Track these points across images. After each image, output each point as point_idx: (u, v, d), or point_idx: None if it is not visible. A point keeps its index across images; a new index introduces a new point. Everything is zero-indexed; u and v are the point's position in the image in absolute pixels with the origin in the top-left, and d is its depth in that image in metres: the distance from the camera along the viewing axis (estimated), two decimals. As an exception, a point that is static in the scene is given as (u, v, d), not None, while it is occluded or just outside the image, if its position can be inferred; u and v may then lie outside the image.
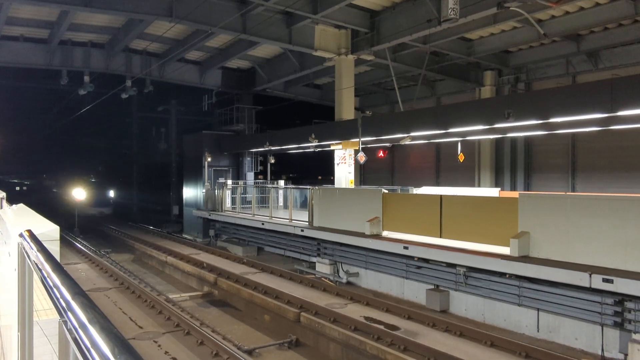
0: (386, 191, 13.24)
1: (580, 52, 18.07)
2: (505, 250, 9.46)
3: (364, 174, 29.86)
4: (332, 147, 18.55)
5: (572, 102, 10.96)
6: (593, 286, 7.70)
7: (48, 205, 39.19)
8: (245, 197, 21.87)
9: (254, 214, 18.84)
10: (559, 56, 19.04)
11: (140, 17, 16.43)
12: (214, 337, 9.15)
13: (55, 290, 1.85)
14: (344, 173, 18.17)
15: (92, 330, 1.34)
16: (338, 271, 14.00)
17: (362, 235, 12.63)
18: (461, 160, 19.50)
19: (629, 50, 17.41)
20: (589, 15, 15.41)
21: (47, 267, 2.16)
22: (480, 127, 13.42)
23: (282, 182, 24.40)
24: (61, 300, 1.71)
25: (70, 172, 37.86)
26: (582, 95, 11.01)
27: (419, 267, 11.30)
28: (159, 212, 33.42)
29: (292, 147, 21.94)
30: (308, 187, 17.24)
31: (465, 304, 10.47)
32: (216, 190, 22.12)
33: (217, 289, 13.19)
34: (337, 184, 18.28)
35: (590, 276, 7.71)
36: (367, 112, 21.08)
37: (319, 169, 36.09)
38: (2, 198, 9.64)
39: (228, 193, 21.79)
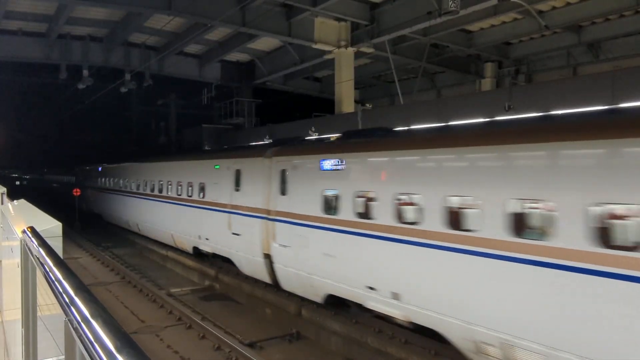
0: None
1: (581, 43, 17.99)
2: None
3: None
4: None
5: (572, 94, 10.93)
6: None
7: (48, 199, 39.14)
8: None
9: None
10: (560, 48, 18.96)
11: (139, 10, 16.35)
12: (215, 331, 9.20)
13: (58, 286, 1.86)
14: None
15: (95, 325, 1.35)
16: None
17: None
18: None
19: (630, 42, 17.32)
20: (590, 6, 15.34)
21: (49, 263, 2.17)
22: (480, 119, 13.39)
23: None
24: (64, 295, 1.73)
25: (71, 165, 37.64)
26: (582, 87, 10.98)
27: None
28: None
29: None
30: None
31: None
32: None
33: (218, 282, 13.23)
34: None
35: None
36: (367, 104, 21.06)
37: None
38: (2, 193, 9.64)
39: None
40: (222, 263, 13.72)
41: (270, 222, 10.71)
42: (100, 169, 27.13)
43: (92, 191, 28.04)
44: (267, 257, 10.87)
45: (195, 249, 14.80)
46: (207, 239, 13.81)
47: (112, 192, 24.22)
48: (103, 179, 26.03)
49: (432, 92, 25.18)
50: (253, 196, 11.40)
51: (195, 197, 14.44)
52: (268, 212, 10.78)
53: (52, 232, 3.59)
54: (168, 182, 16.64)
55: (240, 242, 11.88)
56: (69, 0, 15.50)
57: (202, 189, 14.02)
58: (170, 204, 16.22)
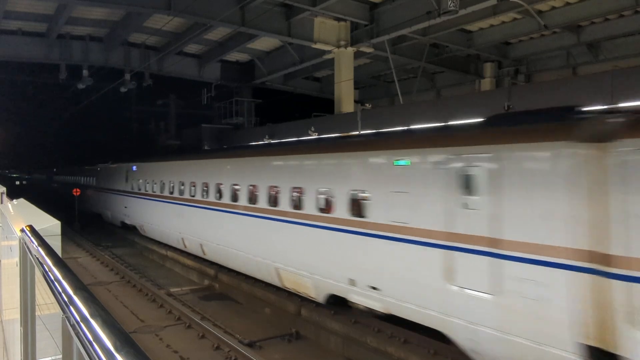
0: None
1: (581, 43, 18.00)
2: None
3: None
4: (332, 140, 18.51)
5: (572, 94, 10.93)
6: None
7: (49, 199, 39.12)
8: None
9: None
10: (560, 48, 18.98)
11: (139, 10, 16.35)
12: (215, 331, 9.20)
13: (57, 284, 1.86)
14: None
15: (94, 324, 1.35)
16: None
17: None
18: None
19: (629, 42, 17.34)
20: (589, 5, 15.35)
21: (48, 262, 2.17)
22: (480, 119, 13.40)
23: None
24: (63, 294, 1.73)
25: (70, 165, 37.49)
26: (582, 87, 10.99)
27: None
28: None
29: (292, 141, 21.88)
30: None
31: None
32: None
33: (217, 282, 13.23)
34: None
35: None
36: (367, 104, 21.03)
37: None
38: (2, 193, 9.65)
39: None
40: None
41: (622, 285, 5.20)
42: (134, 167, 21.00)
43: (124, 197, 22.10)
44: (598, 353, 5.44)
45: (335, 297, 9.32)
46: (373, 287, 8.26)
47: (160, 200, 17.84)
48: (141, 182, 19.99)
49: (432, 92, 25.20)
50: (527, 221, 6.11)
51: (338, 214, 9.02)
52: (604, 259, 5.35)
53: (50, 231, 3.59)
54: (271, 188, 11.09)
55: (489, 308, 6.42)
56: (68, 0, 15.50)
57: (357, 200, 8.65)
58: (276, 222, 10.86)
